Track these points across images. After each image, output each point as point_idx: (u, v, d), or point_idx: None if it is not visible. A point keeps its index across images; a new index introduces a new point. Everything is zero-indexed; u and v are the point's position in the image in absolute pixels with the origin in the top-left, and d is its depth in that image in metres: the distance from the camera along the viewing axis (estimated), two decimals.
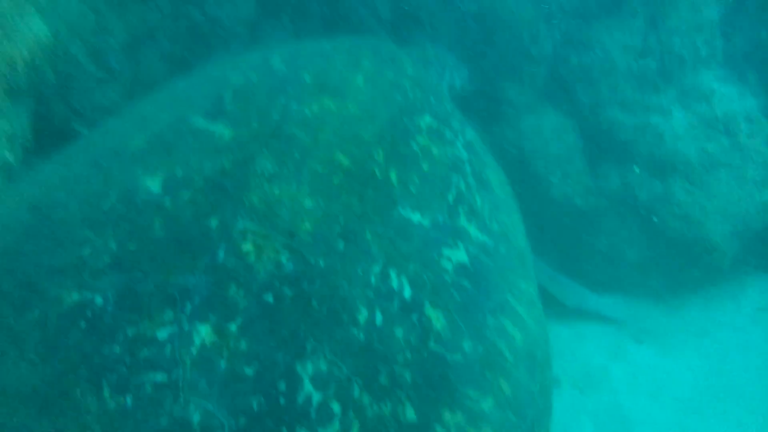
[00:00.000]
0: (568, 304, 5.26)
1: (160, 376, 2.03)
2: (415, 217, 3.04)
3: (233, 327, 2.18)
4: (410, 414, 2.44)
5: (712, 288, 5.11)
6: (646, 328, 5.08)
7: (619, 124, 5.31)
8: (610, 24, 5.32)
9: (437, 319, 2.86)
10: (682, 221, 5.09)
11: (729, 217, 4.95)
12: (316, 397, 2.21)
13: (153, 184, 2.47)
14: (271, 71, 3.29)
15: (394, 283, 2.75)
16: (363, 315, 2.53)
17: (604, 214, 5.51)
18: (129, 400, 1.98)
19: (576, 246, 5.62)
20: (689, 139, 5.11)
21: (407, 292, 2.77)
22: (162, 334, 2.10)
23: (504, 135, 5.73)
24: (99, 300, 2.18)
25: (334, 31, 5.72)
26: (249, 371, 2.11)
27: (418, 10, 5.63)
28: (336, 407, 2.24)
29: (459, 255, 3.17)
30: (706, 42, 5.07)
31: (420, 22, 5.62)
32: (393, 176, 3.09)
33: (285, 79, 3.24)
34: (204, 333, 2.15)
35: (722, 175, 5.01)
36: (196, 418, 2.01)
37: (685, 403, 4.04)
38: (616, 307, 5.37)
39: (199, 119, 2.87)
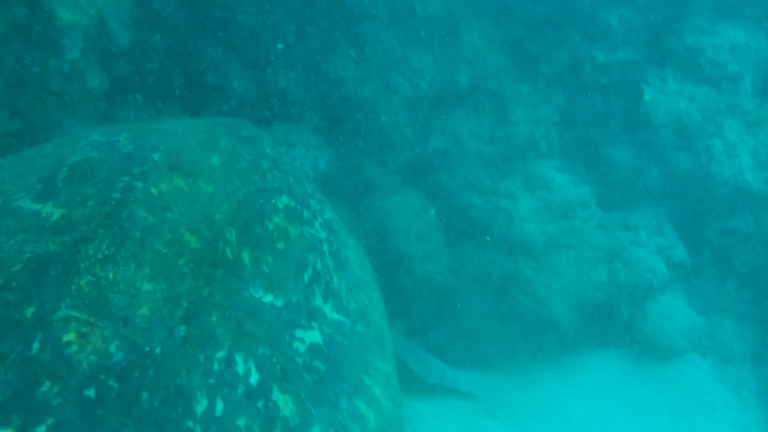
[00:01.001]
0: (429, 381, 5.34)
1: None
2: (268, 298, 2.98)
3: (41, 429, 1.94)
4: None
5: (559, 360, 5.46)
6: (500, 402, 5.27)
7: (474, 207, 5.69)
8: (462, 114, 5.80)
9: (285, 405, 2.75)
10: (530, 298, 5.46)
11: (570, 294, 5.40)
12: None
13: None
14: (115, 149, 3.16)
15: (240, 369, 2.63)
16: (201, 405, 2.38)
17: (462, 291, 5.77)
18: None
19: (437, 322, 5.79)
20: (534, 221, 5.59)
21: (254, 378, 2.66)
22: None
23: (369, 214, 5.90)
24: None
25: (195, 110, 5.68)
26: None
27: (284, 93, 5.78)
28: None
29: (313, 336, 3.12)
30: (544, 136, 5.69)
31: (285, 105, 5.76)
32: (245, 256, 3.03)
33: (131, 157, 3.12)
34: None
35: (563, 256, 5.50)
36: None
37: None
38: (474, 382, 5.53)
39: (24, 199, 2.65)
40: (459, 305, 5.79)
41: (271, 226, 3.30)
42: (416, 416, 4.89)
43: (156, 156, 3.20)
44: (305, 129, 5.35)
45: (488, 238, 5.63)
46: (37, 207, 2.61)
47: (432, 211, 5.87)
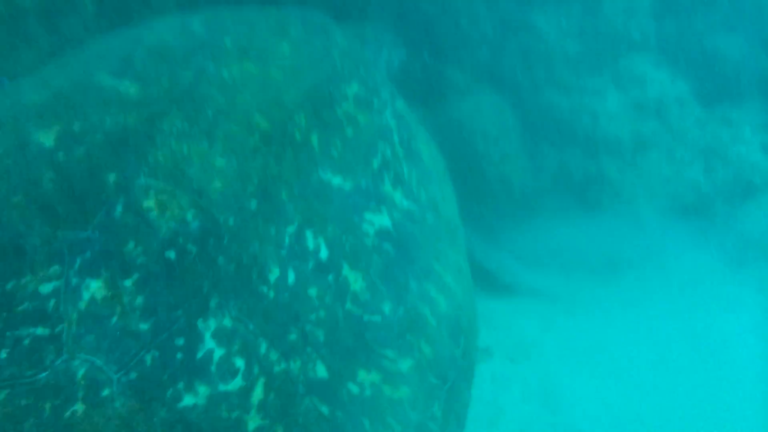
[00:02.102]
0: (504, 280, 5.31)
1: (40, 330, 1.93)
2: (336, 180, 3.00)
3: (128, 283, 2.10)
4: (321, 371, 2.40)
5: (645, 261, 5.23)
6: (578, 301, 5.17)
7: (555, 106, 5.39)
8: (547, 8, 5.39)
9: (355, 281, 2.82)
10: (615, 199, 5.20)
11: (659, 195, 5.09)
12: (218, 353, 2.15)
13: (46, 139, 2.35)
14: (188, 34, 3.20)
15: (310, 244, 2.70)
16: (274, 273, 2.47)
17: (542, 193, 5.59)
18: (3, 353, 1.87)
19: (513, 225, 5.68)
20: (623, 120, 5.23)
21: (324, 253, 2.72)
22: (45, 288, 2.00)
23: (445, 114, 5.74)
24: None
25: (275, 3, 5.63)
26: (144, 326, 2.03)
27: None
28: (239, 363, 2.18)
29: (382, 220, 3.14)
30: (639, 27, 5.19)
31: (361, 1, 5.58)
32: (314, 140, 3.04)
33: (203, 41, 3.15)
34: (94, 288, 2.05)
35: (653, 155, 5.14)
36: (80, 372, 1.92)
37: (610, 372, 4.13)
38: (551, 283, 5.45)
39: (105, 76, 2.76)
40: (538, 208, 5.63)
41: (340, 113, 3.27)
42: (491, 314, 4.91)
43: (227, 41, 3.21)
44: (380, 26, 5.19)
45: (571, 138, 5.35)
46: (115, 84, 2.72)
47: (510, 112, 5.63)
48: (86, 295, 2.04)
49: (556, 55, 5.34)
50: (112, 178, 2.30)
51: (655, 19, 5.25)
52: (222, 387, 2.12)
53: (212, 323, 2.18)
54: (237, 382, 2.14)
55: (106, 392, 1.97)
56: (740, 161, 4.88)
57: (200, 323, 2.15)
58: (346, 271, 2.79)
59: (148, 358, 2.01)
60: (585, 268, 5.35)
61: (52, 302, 1.99)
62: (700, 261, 5.00)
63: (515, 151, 5.68)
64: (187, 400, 2.06)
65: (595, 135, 5.26)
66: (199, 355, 2.11)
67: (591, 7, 5.24)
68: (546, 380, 4.00)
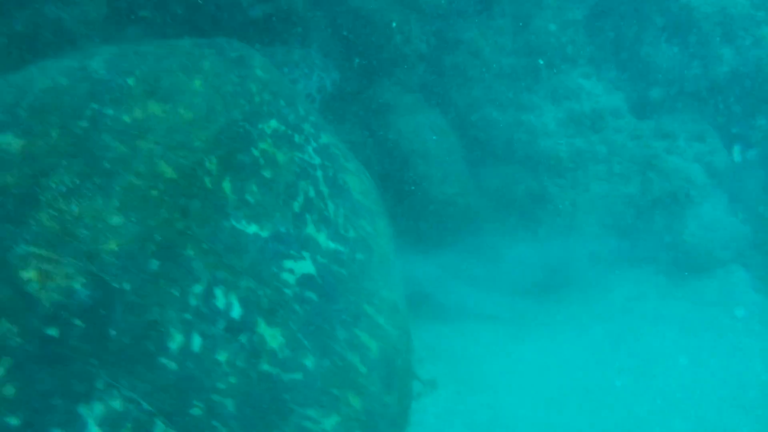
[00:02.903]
0: (447, 304, 5.22)
1: None
2: (252, 228, 2.83)
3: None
4: None
5: (589, 278, 5.21)
6: (524, 323, 5.11)
7: (494, 123, 5.33)
8: (481, 23, 5.33)
9: (273, 338, 2.65)
10: (556, 217, 5.16)
11: (599, 210, 5.07)
12: None
13: None
14: (86, 75, 2.97)
15: (220, 303, 2.52)
16: (176, 341, 2.29)
17: (485, 213, 5.52)
18: None
19: (457, 246, 5.59)
20: (560, 135, 5.20)
21: (236, 312, 2.55)
22: None
23: (383, 136, 5.62)
24: None
25: (198, 32, 5.42)
26: (14, 422, 1.82)
27: (289, 12, 5.43)
28: None
29: (305, 266, 2.98)
30: (572, 41, 5.18)
31: (290, 24, 5.41)
32: (227, 186, 2.87)
33: (103, 83, 2.94)
34: None
35: (591, 170, 5.12)
36: None
37: (556, 399, 4.07)
38: (497, 305, 5.38)
39: None
40: (482, 227, 5.56)
41: (257, 153, 3.10)
42: (435, 340, 4.80)
43: (131, 81, 3.01)
44: (310, 49, 5.03)
45: (511, 154, 5.30)
46: None
47: (450, 130, 5.54)
48: None
49: (492, 71, 5.29)
50: None
51: (588, 31, 5.24)
52: None
53: (98, 408, 1.98)
54: None
55: None
56: (676, 173, 4.90)
57: (83, 409, 1.95)
58: (262, 328, 2.62)
59: None
60: (529, 288, 5.29)
61: None
62: (642, 277, 5.01)
63: (457, 171, 5.59)
64: None
65: (534, 151, 5.22)
66: None
67: (523, 22, 5.20)
68: (492, 412, 3.91)
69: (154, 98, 3.01)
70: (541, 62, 5.13)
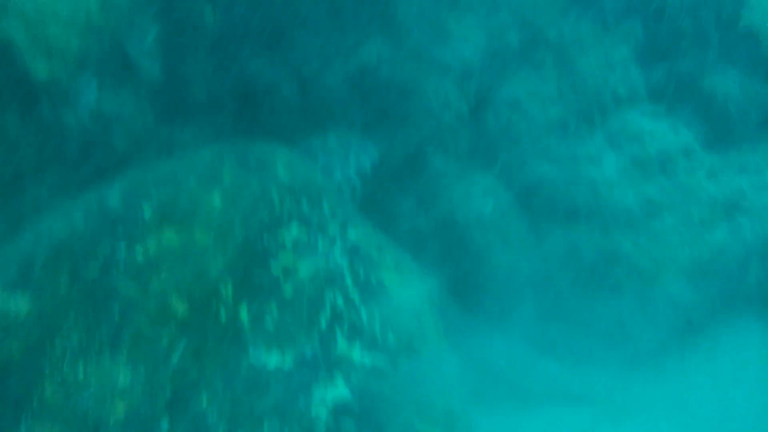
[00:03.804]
0: (532, 387, 4.72)
1: None
2: (273, 359, 2.60)
3: None
4: None
5: (686, 344, 4.56)
6: (621, 404, 4.50)
7: (550, 179, 4.90)
8: (520, 74, 5.00)
9: None
10: (636, 277, 4.60)
11: (683, 265, 4.46)
12: None
13: None
14: (102, 211, 2.94)
15: None
16: None
17: (553, 278, 5.03)
18: None
19: (533, 315, 5.12)
20: (625, 185, 4.69)
21: None
22: None
23: (434, 208, 5.33)
24: None
25: (246, 119, 5.45)
26: None
27: (324, 94, 5.36)
28: None
29: (337, 390, 2.70)
30: (623, 79, 4.72)
31: (326, 107, 5.33)
32: (243, 314, 2.68)
33: (119, 218, 2.88)
34: None
35: (668, 220, 4.55)
36: None
37: None
38: (588, 383, 4.81)
39: None
40: (556, 295, 5.06)
41: (276, 268, 2.91)
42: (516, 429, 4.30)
43: (147, 211, 2.94)
44: (345, 131, 4.90)
45: (573, 212, 4.84)
46: (4, 298, 2.45)
47: (504, 192, 5.17)
48: None
49: (539, 124, 4.90)
50: None
51: (640, 67, 4.77)
52: None
53: None
54: None
55: None
56: None
57: None
58: None
59: None
60: (618, 361, 4.70)
61: None
62: (749, 339, 4.30)
63: (517, 235, 5.18)
64: None
65: (599, 206, 4.73)
66: None
67: (565, 68, 4.82)
68: None
69: (170, 224, 2.91)
70: (592, 108, 4.70)
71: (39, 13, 3.54)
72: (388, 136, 5.19)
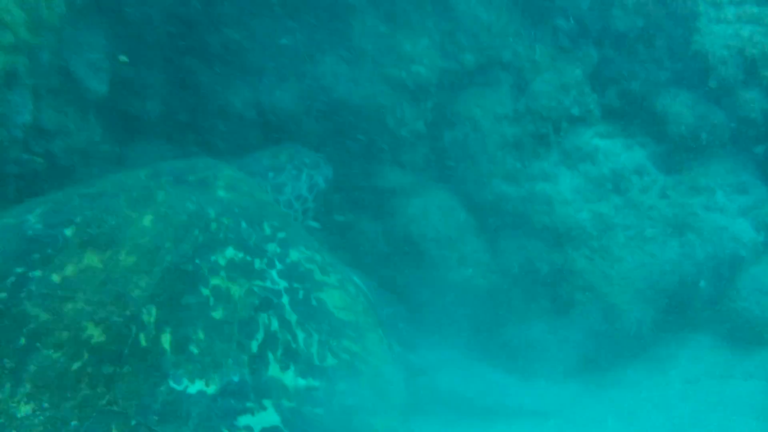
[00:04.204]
0: (489, 404, 4.65)
1: None
2: (195, 386, 2.49)
3: None
4: None
5: (637, 361, 4.54)
6: (575, 418, 4.46)
7: (506, 197, 4.88)
8: (477, 93, 4.99)
9: None
10: (589, 293, 4.58)
11: (635, 282, 4.46)
12: None
13: None
14: (19, 233, 2.81)
15: None
16: None
17: (509, 295, 5.00)
18: None
19: (487, 331, 5.07)
20: (580, 202, 4.69)
21: None
22: None
23: (391, 223, 5.28)
24: None
25: (197, 135, 5.35)
26: None
27: (277, 108, 5.29)
28: None
29: (265, 418, 2.60)
30: (576, 100, 4.73)
31: (280, 124, 5.26)
32: (166, 340, 2.57)
33: (34, 240, 2.76)
34: None
35: (620, 237, 4.55)
36: None
37: None
38: (540, 396, 4.76)
39: None
40: (509, 309, 5.02)
41: (206, 292, 2.81)
42: None
43: (68, 232, 2.82)
44: (298, 147, 4.82)
45: (528, 229, 4.82)
46: None
47: (461, 209, 5.13)
48: None
49: (495, 143, 4.89)
50: None
51: (592, 88, 4.79)
52: None
53: None
54: None
55: None
56: (719, 232, 4.26)
57: None
58: None
59: None
60: (571, 375, 4.67)
61: None
62: (698, 354, 4.30)
63: (474, 252, 5.14)
64: None
65: (554, 223, 4.72)
66: None
67: (520, 89, 4.82)
68: None
69: (93, 247, 2.79)
70: (547, 128, 4.70)
71: None
72: (343, 153, 5.14)
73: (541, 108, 4.73)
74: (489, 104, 4.91)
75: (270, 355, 2.77)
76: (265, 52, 5.15)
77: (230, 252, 3.03)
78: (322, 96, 4.99)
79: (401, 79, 4.92)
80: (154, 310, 2.61)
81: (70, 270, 2.64)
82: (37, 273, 2.57)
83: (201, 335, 2.64)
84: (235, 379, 2.60)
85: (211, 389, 2.51)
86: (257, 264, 3.06)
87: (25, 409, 2.15)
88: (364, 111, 5.00)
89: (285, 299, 3.01)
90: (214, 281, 2.85)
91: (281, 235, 3.32)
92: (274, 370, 2.74)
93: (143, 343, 2.50)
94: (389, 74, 4.96)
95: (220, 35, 5.13)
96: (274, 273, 3.08)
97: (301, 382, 2.81)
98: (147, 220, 2.98)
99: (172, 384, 2.43)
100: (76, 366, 2.32)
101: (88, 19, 4.66)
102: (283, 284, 3.06)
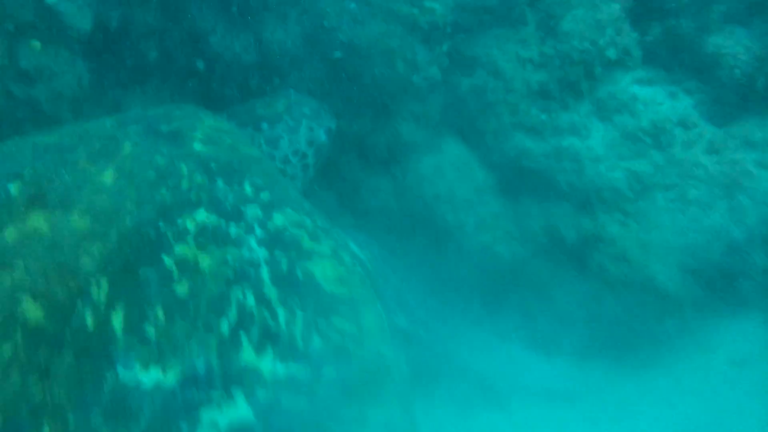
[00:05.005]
0: (504, 384, 4.25)
1: None
2: (151, 375, 2.11)
3: None
4: None
5: (676, 341, 4.06)
6: (603, 403, 4.04)
7: (529, 153, 4.35)
8: (499, 35, 4.40)
9: None
10: (621, 262, 4.08)
11: (675, 250, 3.94)
12: None
13: None
14: None
15: None
16: None
17: (532, 261, 4.52)
18: None
19: (505, 303, 4.62)
20: (613, 159, 4.14)
21: None
22: None
23: (402, 183, 4.80)
24: None
25: (192, 78, 4.90)
26: None
27: (280, 56, 4.78)
28: None
29: (234, 412, 2.22)
30: (613, 41, 4.12)
31: (280, 69, 4.76)
32: (117, 320, 2.17)
33: None
34: None
35: (660, 199, 4.01)
36: None
37: None
38: (564, 377, 4.34)
39: None
40: (531, 280, 4.56)
41: (169, 262, 2.39)
42: None
43: (13, 188, 2.42)
44: (298, 95, 4.32)
45: (553, 189, 4.30)
46: None
47: (479, 167, 4.62)
48: None
49: (518, 92, 4.33)
50: None
51: (633, 27, 4.16)
52: None
53: None
54: None
55: None
56: None
57: None
58: None
59: None
60: (601, 355, 4.23)
61: None
62: (748, 333, 3.80)
63: (493, 215, 4.65)
64: None
65: (583, 183, 4.18)
66: None
67: (548, 29, 4.21)
68: None
69: (40, 207, 2.39)
70: (578, 73, 4.12)
71: None
72: (348, 103, 4.64)
73: (571, 50, 4.13)
74: (512, 47, 4.33)
75: (244, 337, 2.37)
76: None
77: (201, 215, 2.60)
78: (324, 37, 4.46)
79: (413, 17, 4.35)
80: (105, 283, 2.22)
81: (10, 233, 2.25)
82: None
83: (160, 314, 2.24)
84: (200, 365, 2.21)
85: (170, 378, 2.12)
86: (233, 229, 2.63)
87: None
88: (372, 55, 4.47)
89: (264, 271, 2.59)
90: (180, 249, 2.44)
91: (265, 195, 2.88)
92: (248, 354, 2.35)
93: (89, 323, 2.12)
94: (399, 12, 4.39)
95: None
96: (252, 240, 2.66)
97: (281, 368, 2.41)
98: (107, 176, 2.57)
99: (121, 372, 2.05)
100: (7, 352, 1.95)
101: None
102: (262, 253, 2.64)
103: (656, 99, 4.16)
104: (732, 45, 3.92)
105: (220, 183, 2.79)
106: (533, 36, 4.26)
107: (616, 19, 4.08)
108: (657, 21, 4.17)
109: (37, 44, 4.10)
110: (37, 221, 2.31)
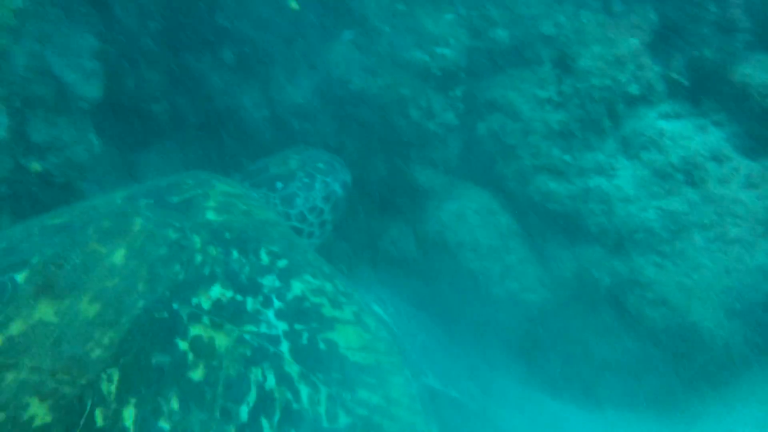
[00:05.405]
0: None
1: None
2: None
3: None
4: None
5: (725, 391, 3.79)
6: None
7: (553, 196, 4.18)
8: (514, 76, 4.29)
9: None
10: (661, 307, 3.85)
11: (719, 293, 3.70)
12: None
13: None
14: None
15: None
16: None
17: (564, 308, 4.30)
18: None
19: (538, 354, 4.39)
20: (644, 199, 3.94)
21: None
22: None
23: (422, 232, 4.65)
24: None
25: (217, 138, 4.86)
26: None
27: (291, 108, 4.73)
28: None
29: None
30: (634, 77, 3.97)
31: (293, 124, 4.71)
32: (128, 415, 2.02)
33: None
34: None
35: (698, 239, 3.79)
36: None
37: None
38: (602, 429, 4.07)
39: None
40: (566, 327, 4.33)
41: (184, 346, 2.25)
42: None
43: (20, 277, 2.31)
44: (311, 150, 4.23)
45: (582, 232, 4.11)
46: None
47: (502, 212, 4.46)
48: None
49: (538, 133, 4.19)
50: None
51: (654, 61, 4.02)
52: None
53: None
54: None
55: None
56: None
57: None
58: None
59: None
60: (639, 405, 3.96)
61: None
62: None
63: (520, 260, 4.45)
64: None
65: (614, 225, 3.99)
66: None
67: (565, 66, 4.09)
68: None
69: (49, 295, 2.28)
70: (599, 112, 3.97)
71: None
72: (363, 153, 4.54)
73: (591, 88, 3.99)
74: (528, 87, 4.21)
75: (264, 423, 2.20)
76: (271, 39, 4.60)
77: (216, 291, 2.47)
78: (335, 89, 4.40)
79: (425, 64, 4.27)
80: (116, 376, 2.08)
81: (16, 327, 2.14)
82: None
83: (174, 404, 2.09)
84: None
85: None
86: (250, 304, 2.49)
87: None
88: (385, 104, 4.38)
89: (284, 346, 2.43)
90: (195, 331, 2.30)
91: (282, 263, 2.74)
92: None
93: (99, 421, 1.97)
94: (411, 59, 4.32)
95: (225, 21, 4.62)
96: (270, 314, 2.51)
97: None
98: (118, 257, 2.46)
99: None
100: None
101: (74, 17, 4.21)
102: (282, 327, 2.48)
103: (684, 133, 3.98)
104: (761, 74, 3.75)
105: (235, 254, 2.66)
106: (550, 75, 4.14)
107: (636, 53, 3.94)
108: (679, 52, 4.02)
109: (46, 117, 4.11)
110: (45, 312, 2.19)
